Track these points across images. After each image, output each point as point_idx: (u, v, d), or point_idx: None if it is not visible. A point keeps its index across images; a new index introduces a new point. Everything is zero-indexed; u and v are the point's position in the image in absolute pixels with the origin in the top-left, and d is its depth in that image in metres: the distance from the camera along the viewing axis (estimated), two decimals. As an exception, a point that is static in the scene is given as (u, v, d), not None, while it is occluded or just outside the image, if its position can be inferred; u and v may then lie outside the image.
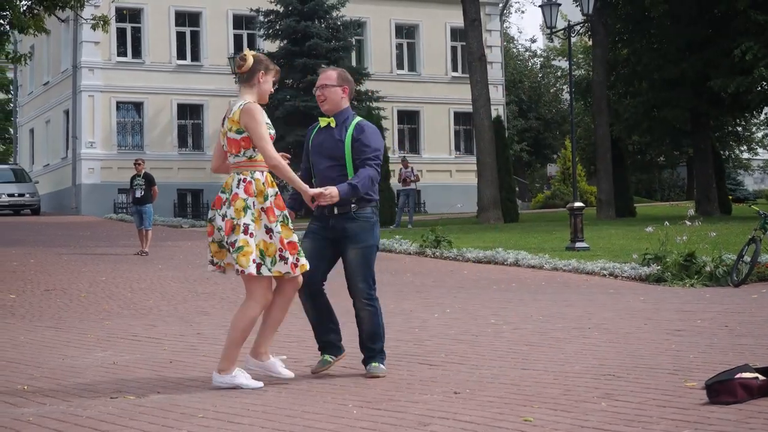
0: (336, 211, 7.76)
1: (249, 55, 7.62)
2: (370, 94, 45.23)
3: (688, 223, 16.97)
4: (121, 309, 13.72)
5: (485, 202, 35.31)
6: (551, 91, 68.52)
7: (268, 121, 7.55)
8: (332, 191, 7.50)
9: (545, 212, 46.84)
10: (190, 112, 47.70)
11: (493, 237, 26.65)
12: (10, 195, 44.93)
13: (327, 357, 7.97)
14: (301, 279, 7.60)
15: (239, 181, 7.41)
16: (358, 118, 7.91)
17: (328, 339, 7.99)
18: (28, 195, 45.24)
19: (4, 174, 46.72)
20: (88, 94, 45.60)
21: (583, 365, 8.07)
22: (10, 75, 63.36)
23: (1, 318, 12.86)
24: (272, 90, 7.77)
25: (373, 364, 7.85)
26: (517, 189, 47.10)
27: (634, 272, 17.38)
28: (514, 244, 23.87)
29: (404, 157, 37.99)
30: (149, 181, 23.68)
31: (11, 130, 63.64)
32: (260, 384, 7.44)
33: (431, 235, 23.05)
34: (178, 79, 46.62)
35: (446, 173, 51.15)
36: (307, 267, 7.49)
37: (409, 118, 51.43)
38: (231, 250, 7.36)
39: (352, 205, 7.73)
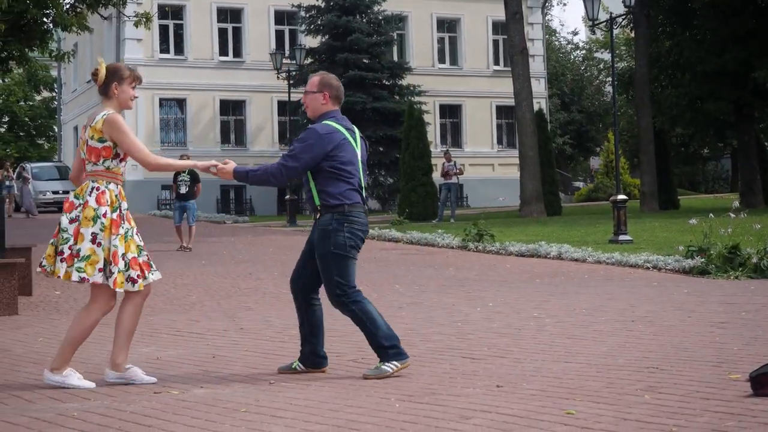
0: (313, 218, 7.96)
1: (101, 67, 7.69)
2: (411, 88, 45.22)
3: (732, 215, 16.83)
4: (164, 304, 13.79)
5: (528, 195, 35.21)
6: (594, 83, 68.25)
7: None
8: (228, 165, 7.80)
9: (588, 205, 46.66)
10: (232, 108, 47.88)
11: (535, 230, 26.57)
12: (55, 192, 45.29)
13: (295, 364, 7.96)
14: (146, 291, 7.68)
15: (92, 189, 7.54)
16: (323, 122, 7.90)
17: (302, 348, 7.98)
18: (72, 192, 45.56)
19: (49, 171, 47.13)
20: (131, 91, 45.82)
21: (626, 358, 8.04)
22: (54, 73, 63.85)
23: (46, 314, 12.96)
24: (133, 95, 7.81)
25: (377, 365, 7.69)
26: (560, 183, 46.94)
27: (677, 265, 17.27)
28: (557, 237, 23.78)
29: (447, 150, 37.95)
30: (194, 177, 23.79)
31: (55, 127, 64.12)
32: (92, 384, 7.50)
33: (474, 229, 23.00)
34: (220, 76, 46.82)
35: (488, 167, 51.07)
36: (144, 285, 7.56)
37: (451, 112, 51.38)
38: (74, 258, 7.42)
39: (316, 214, 7.85)
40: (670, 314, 11.07)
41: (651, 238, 23.15)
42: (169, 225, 33.89)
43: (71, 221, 7.49)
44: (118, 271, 7.40)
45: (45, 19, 24.07)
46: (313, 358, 7.91)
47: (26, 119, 66.61)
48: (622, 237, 22.35)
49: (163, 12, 44.76)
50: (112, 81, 7.67)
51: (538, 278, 16.58)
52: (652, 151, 37.44)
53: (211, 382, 7.56)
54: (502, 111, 51.80)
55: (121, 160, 7.58)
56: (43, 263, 7.62)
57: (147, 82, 45.91)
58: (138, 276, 7.49)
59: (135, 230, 7.66)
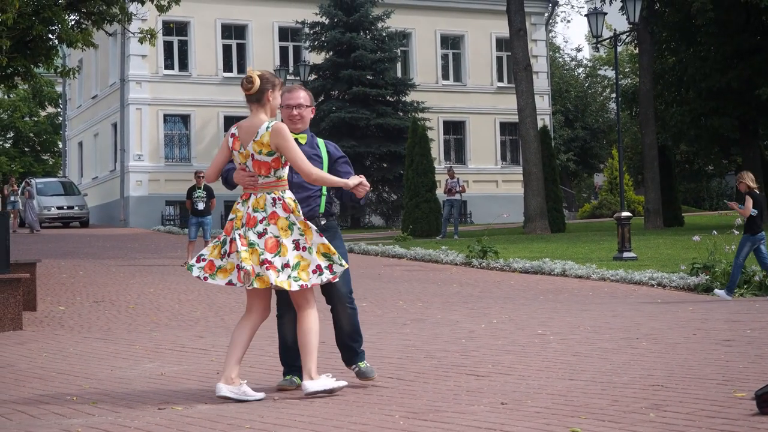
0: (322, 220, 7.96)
1: (255, 76, 7.57)
2: (415, 104, 45.29)
3: (736, 232, 16.83)
4: (168, 320, 13.79)
5: (532, 212, 35.20)
6: (598, 100, 68.24)
7: None
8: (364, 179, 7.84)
9: (592, 222, 46.64)
10: (232, 124, 47.87)
11: (539, 247, 26.57)
12: (60, 207, 45.32)
13: (297, 378, 7.88)
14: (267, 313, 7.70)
15: (274, 200, 7.45)
16: (321, 139, 8.16)
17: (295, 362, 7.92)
18: (77, 207, 45.62)
19: (54, 187, 47.16)
20: (136, 107, 45.95)
21: (630, 376, 8.02)
22: (58, 89, 63.98)
23: (50, 329, 12.96)
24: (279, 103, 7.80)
25: (361, 364, 8.05)
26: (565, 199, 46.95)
27: (682, 282, 17.27)
28: (561, 254, 23.78)
29: (450, 167, 37.96)
30: (209, 193, 23.88)
31: (60, 143, 64.22)
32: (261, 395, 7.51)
33: (477, 246, 23.01)
34: (224, 92, 46.86)
35: (492, 183, 51.07)
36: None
37: (454, 129, 51.40)
38: (268, 269, 7.30)
39: (321, 219, 7.91)
40: (675, 332, 11.05)
41: (655, 255, 23.15)
42: (174, 240, 33.96)
43: (260, 235, 7.42)
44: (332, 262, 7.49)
45: (50, 36, 24.15)
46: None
47: (31, 135, 66.72)
48: (626, 254, 22.36)
49: (168, 28, 44.84)
50: (267, 88, 7.55)
51: (543, 295, 16.57)
52: (657, 167, 37.43)
53: (216, 398, 7.54)
54: (506, 127, 51.81)
55: (283, 166, 7.55)
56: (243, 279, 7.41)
57: (151, 98, 46.38)
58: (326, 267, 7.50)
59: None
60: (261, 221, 7.43)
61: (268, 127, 7.44)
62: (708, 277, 16.77)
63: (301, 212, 7.49)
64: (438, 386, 7.77)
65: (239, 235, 7.42)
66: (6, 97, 60.46)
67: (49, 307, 15.25)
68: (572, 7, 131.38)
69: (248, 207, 7.47)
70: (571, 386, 7.61)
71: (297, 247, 7.41)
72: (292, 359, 7.92)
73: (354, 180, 7.71)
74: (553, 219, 36.24)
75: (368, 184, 7.82)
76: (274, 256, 7.35)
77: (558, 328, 11.73)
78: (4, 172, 60.97)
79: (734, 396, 6.96)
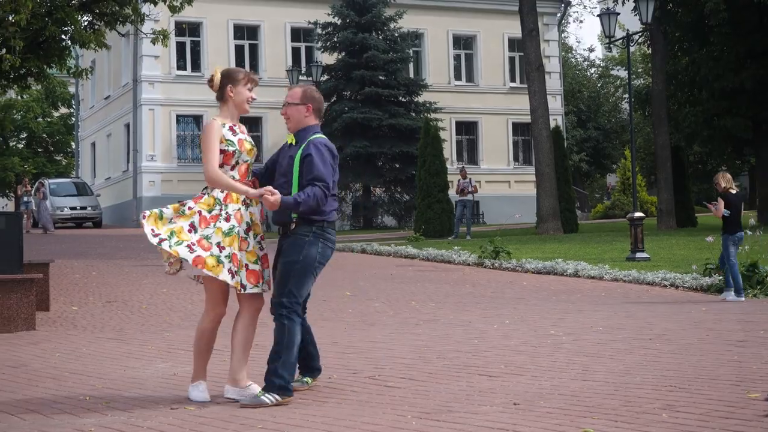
0: (280, 230, 7.73)
1: (216, 71, 7.65)
2: (427, 105, 45.29)
3: (749, 232, 16.78)
4: (181, 320, 13.80)
5: (544, 212, 35.15)
6: (610, 100, 68.18)
7: (231, 138, 7.58)
8: (276, 195, 7.38)
9: (605, 223, 46.56)
10: (249, 125, 47.96)
11: (552, 248, 26.53)
12: (73, 208, 45.44)
13: (308, 379, 7.91)
14: (259, 303, 7.81)
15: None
16: (315, 137, 7.66)
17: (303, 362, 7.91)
18: (90, 208, 45.73)
19: (67, 187, 47.28)
20: (149, 107, 46.05)
21: (643, 376, 8.01)
22: (71, 89, 64.10)
23: (63, 330, 12.99)
24: (250, 96, 7.69)
25: (259, 393, 7.37)
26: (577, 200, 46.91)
27: (695, 283, 17.23)
28: (574, 254, 23.75)
29: (462, 167, 37.93)
30: None
31: (73, 143, 64.34)
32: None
33: (490, 246, 22.98)
34: (237, 92, 46.90)
35: (505, 184, 51.05)
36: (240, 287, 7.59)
37: (467, 129, 51.40)
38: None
39: (292, 225, 7.60)
40: (688, 332, 11.03)
41: (668, 256, 23.10)
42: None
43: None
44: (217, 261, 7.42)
45: (63, 36, 24.19)
46: (314, 367, 7.98)
47: (44, 135, 66.84)
48: (639, 255, 22.30)
49: (180, 29, 44.92)
50: (226, 84, 7.62)
51: (555, 296, 16.55)
52: (669, 168, 37.36)
53: (227, 399, 7.55)
54: (518, 128, 51.80)
55: (226, 165, 7.59)
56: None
57: (164, 98, 46.44)
58: (235, 272, 7.50)
59: (252, 234, 7.65)
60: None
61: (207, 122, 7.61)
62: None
63: (223, 210, 7.53)
64: (450, 387, 7.77)
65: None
66: (19, 97, 60.55)
67: (62, 307, 15.27)
68: (584, 7, 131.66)
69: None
70: (583, 387, 7.60)
71: (193, 228, 7.53)
72: (305, 360, 7.91)
73: (258, 191, 7.51)
74: (566, 219, 36.18)
75: (273, 197, 7.37)
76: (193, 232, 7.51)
77: (570, 328, 11.71)
78: (17, 172, 61.09)
79: (747, 397, 6.95)
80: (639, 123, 53.89)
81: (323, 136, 7.75)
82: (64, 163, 68.28)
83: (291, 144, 7.71)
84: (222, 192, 7.54)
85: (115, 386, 8.26)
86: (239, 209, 7.54)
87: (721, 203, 15.66)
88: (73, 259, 24.62)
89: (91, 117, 55.13)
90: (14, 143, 67.03)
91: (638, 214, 23.18)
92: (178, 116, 46.72)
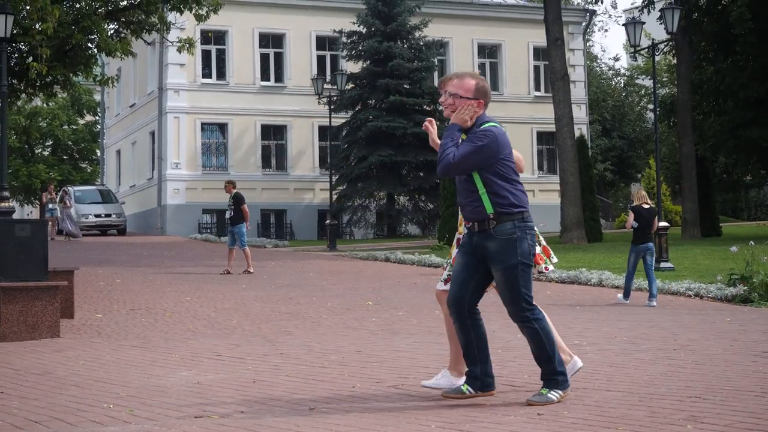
0: (476, 227, 7.36)
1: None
2: (452, 114, 45.22)
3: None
4: (205, 328, 13.83)
5: (568, 221, 35.09)
6: (635, 110, 67.98)
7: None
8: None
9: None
10: (273, 133, 48.08)
11: (576, 257, 26.47)
12: (97, 215, 45.62)
13: (464, 387, 7.48)
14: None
15: None
16: (487, 125, 7.48)
17: (470, 369, 7.48)
18: (114, 215, 45.90)
19: (92, 195, 47.47)
20: (174, 115, 46.18)
21: (668, 387, 7.97)
22: (97, 97, 64.38)
23: (87, 337, 13.03)
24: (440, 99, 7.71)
25: (542, 390, 7.31)
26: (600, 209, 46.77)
27: (719, 293, 17.16)
28: (598, 264, 23.68)
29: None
30: (236, 201, 23.97)
31: (98, 151, 64.60)
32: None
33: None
34: (261, 100, 47.04)
35: (529, 193, 50.15)
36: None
37: (491, 138, 51.27)
38: None
39: (491, 221, 7.27)
40: (713, 343, 10.98)
41: (693, 266, 23.02)
42: (210, 248, 34.10)
43: None
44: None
45: (89, 45, 24.30)
46: (484, 379, 7.46)
47: (69, 143, 67.13)
48: (663, 264, 22.25)
49: (206, 37, 45.06)
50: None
51: (579, 305, 16.51)
52: (694, 178, 37.25)
53: (252, 407, 7.56)
54: (542, 137, 51.75)
55: None
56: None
57: (189, 106, 46.63)
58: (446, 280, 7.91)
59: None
60: None
61: None
62: (746, 288, 16.65)
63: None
64: (474, 396, 7.74)
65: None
66: (45, 105, 60.87)
67: (86, 315, 15.33)
68: (610, 16, 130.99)
69: None
70: (607, 397, 7.57)
71: None
72: (466, 361, 7.59)
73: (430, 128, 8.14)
74: (590, 229, 36.10)
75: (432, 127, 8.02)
76: None
77: (594, 338, 11.68)
78: (42, 180, 61.37)
79: (773, 408, 6.91)
80: (664, 132, 53.72)
81: (495, 123, 7.54)
82: (89, 170, 68.56)
83: (463, 140, 7.46)
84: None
85: (139, 394, 8.28)
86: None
87: (631, 216, 17.40)
88: (97, 266, 24.72)
89: (117, 125, 55.35)
90: (40, 150, 67.37)
91: (663, 223, 23.13)
92: (203, 124, 46.83)
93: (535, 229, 7.56)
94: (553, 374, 7.30)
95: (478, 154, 7.30)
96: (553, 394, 7.24)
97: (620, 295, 17.23)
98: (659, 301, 17.05)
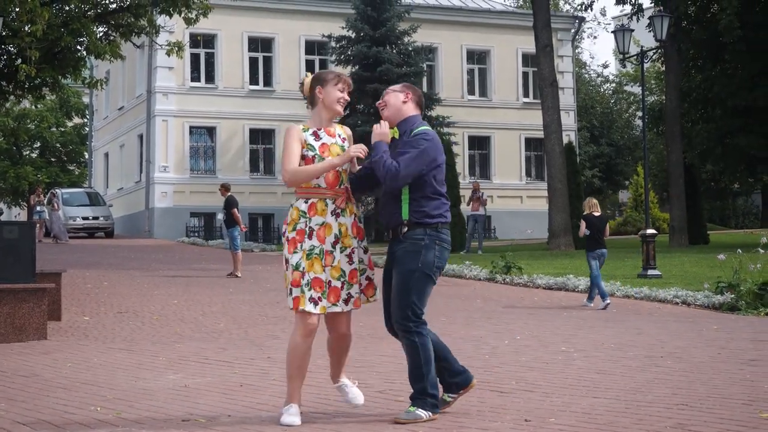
0: (391, 234, 7.23)
1: (308, 76, 7.38)
2: (441, 119, 45.27)
3: (761, 250, 16.75)
4: (192, 332, 13.81)
5: (556, 228, 35.12)
6: (623, 117, 68.09)
7: (312, 142, 7.16)
8: (360, 146, 7.11)
9: (617, 239, 46.49)
10: (262, 137, 48.04)
11: (563, 263, 26.51)
12: (85, 218, 45.51)
13: (446, 396, 7.39)
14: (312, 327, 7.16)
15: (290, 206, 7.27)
16: (421, 128, 7.31)
17: (440, 379, 7.31)
18: (102, 218, 45.79)
19: (79, 197, 47.36)
20: (162, 118, 46.11)
21: (655, 394, 7.99)
22: (86, 100, 64.26)
23: (75, 340, 13.01)
24: (341, 97, 7.29)
25: (409, 408, 7.04)
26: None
27: (707, 300, 17.20)
28: (586, 270, 23.69)
29: (476, 181, 37.91)
30: (227, 205, 24.02)
31: (86, 154, 64.48)
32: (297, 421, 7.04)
33: (501, 261, 22.97)
34: (250, 104, 47.01)
35: (517, 199, 51.00)
36: (317, 311, 7.04)
37: (479, 144, 51.38)
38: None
39: (403, 227, 7.13)
40: (700, 350, 11.00)
41: (680, 273, 23.06)
42: (198, 251, 34.07)
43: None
44: (300, 292, 6.99)
45: (78, 47, 24.29)
46: (455, 379, 7.35)
47: (57, 145, 66.98)
48: (651, 272, 22.28)
49: (195, 41, 44.98)
50: (315, 86, 7.27)
51: (566, 311, 16.53)
52: (682, 185, 37.30)
53: (239, 411, 7.55)
54: (531, 143, 51.78)
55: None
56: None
57: (177, 109, 46.51)
58: (318, 298, 7.03)
59: (339, 247, 7.10)
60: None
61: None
62: (733, 295, 16.68)
63: (308, 225, 7.06)
64: (461, 403, 7.74)
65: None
66: (34, 107, 60.75)
67: (73, 317, 15.30)
68: (599, 23, 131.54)
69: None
70: (595, 404, 7.59)
71: (285, 262, 7.13)
72: (441, 373, 7.37)
73: (345, 153, 7.21)
74: (577, 235, 36.08)
75: (356, 149, 7.14)
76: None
77: (582, 345, 11.70)
78: (30, 182, 61.23)
79: (760, 416, 6.93)
80: (652, 140, 53.79)
81: (429, 127, 7.36)
82: (77, 173, 68.42)
83: (394, 138, 7.35)
84: (306, 202, 7.09)
85: (126, 397, 8.27)
86: (324, 223, 7.09)
87: (583, 224, 18.29)
88: (84, 269, 24.67)
89: (105, 127, 55.24)
90: (28, 153, 67.20)
91: (650, 231, 23.17)
92: (191, 128, 46.76)
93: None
94: (422, 394, 7.03)
95: (420, 158, 7.12)
96: (421, 412, 6.97)
97: (586, 300, 17.93)
98: (646, 308, 17.07)
